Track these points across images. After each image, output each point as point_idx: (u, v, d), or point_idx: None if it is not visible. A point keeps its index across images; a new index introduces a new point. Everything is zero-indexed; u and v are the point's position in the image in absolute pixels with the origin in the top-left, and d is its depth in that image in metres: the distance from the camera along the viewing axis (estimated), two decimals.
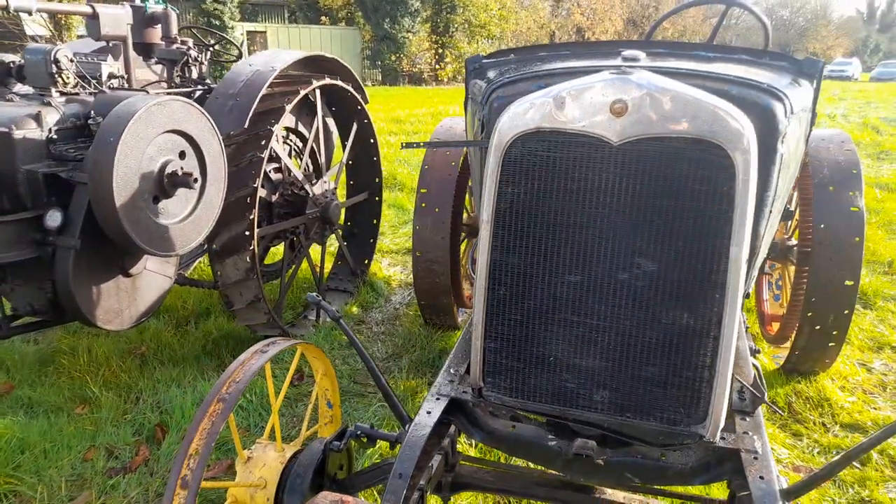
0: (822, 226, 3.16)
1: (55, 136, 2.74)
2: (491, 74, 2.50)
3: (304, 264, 4.32)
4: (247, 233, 3.29)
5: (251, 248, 3.30)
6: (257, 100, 3.30)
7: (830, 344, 3.29)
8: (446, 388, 1.82)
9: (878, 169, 9.99)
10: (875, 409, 3.33)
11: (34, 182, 2.66)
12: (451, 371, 1.90)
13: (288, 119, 3.98)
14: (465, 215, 4.01)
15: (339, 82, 4.05)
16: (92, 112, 2.79)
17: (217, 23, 23.86)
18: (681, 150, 1.39)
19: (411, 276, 5.13)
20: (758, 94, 1.87)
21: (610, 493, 1.74)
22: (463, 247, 4.03)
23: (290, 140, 4.22)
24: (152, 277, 3.09)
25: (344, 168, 4.50)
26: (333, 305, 4.45)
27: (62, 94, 2.93)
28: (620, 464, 1.64)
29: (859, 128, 14.23)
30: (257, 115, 3.34)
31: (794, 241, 3.69)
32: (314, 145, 4.26)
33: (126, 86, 3.35)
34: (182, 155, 2.79)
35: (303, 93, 3.59)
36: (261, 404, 3.14)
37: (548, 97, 1.45)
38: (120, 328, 2.95)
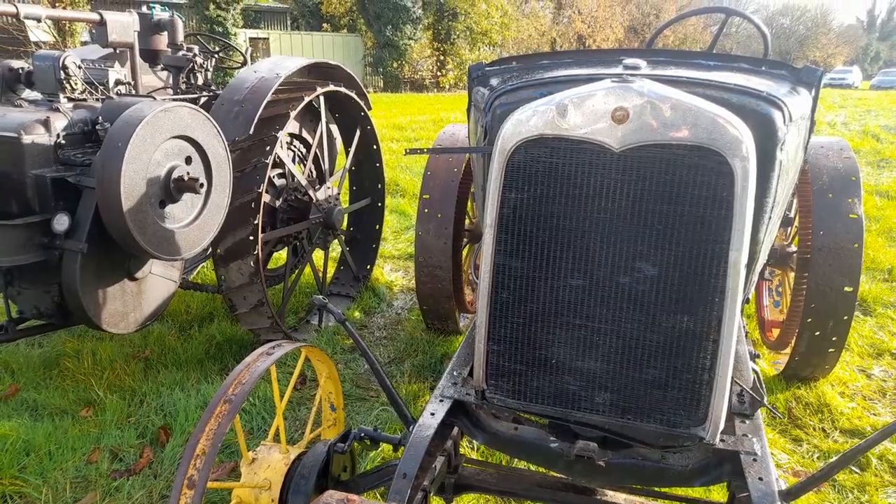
0: (822, 232, 3.18)
1: (63, 142, 2.77)
2: (494, 82, 2.54)
3: (307, 269, 4.34)
4: (251, 237, 3.32)
5: (255, 252, 3.33)
6: (262, 106, 3.33)
7: (830, 350, 3.31)
8: (449, 390, 1.84)
9: (878, 177, 10.01)
10: (875, 414, 3.34)
11: (42, 186, 2.69)
12: (455, 374, 1.93)
13: (292, 125, 4.02)
14: (466, 221, 4.03)
15: (343, 89, 4.09)
16: (100, 118, 2.83)
17: (220, 29, 23.98)
18: (681, 156, 1.42)
19: (413, 281, 5.17)
20: (757, 102, 1.90)
21: (611, 494, 1.76)
22: (465, 252, 4.06)
23: (294, 146, 4.25)
24: (158, 281, 3.11)
25: (347, 174, 4.54)
26: (336, 311, 4.47)
27: (70, 100, 2.97)
28: (621, 466, 1.66)
29: (859, 136, 14.27)
30: (262, 122, 3.38)
31: (793, 248, 3.72)
32: (317, 151, 4.30)
33: (133, 92, 3.39)
34: (188, 160, 2.83)
35: (307, 99, 3.63)
36: (263, 408, 3.16)
37: (550, 104, 1.48)
38: (125, 331, 2.98)
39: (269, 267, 4.70)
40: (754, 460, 1.52)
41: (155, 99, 3.01)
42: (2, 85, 3.09)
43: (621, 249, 1.49)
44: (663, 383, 1.52)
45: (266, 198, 3.46)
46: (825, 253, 3.18)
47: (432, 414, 1.74)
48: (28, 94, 3.14)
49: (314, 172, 4.39)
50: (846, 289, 3.17)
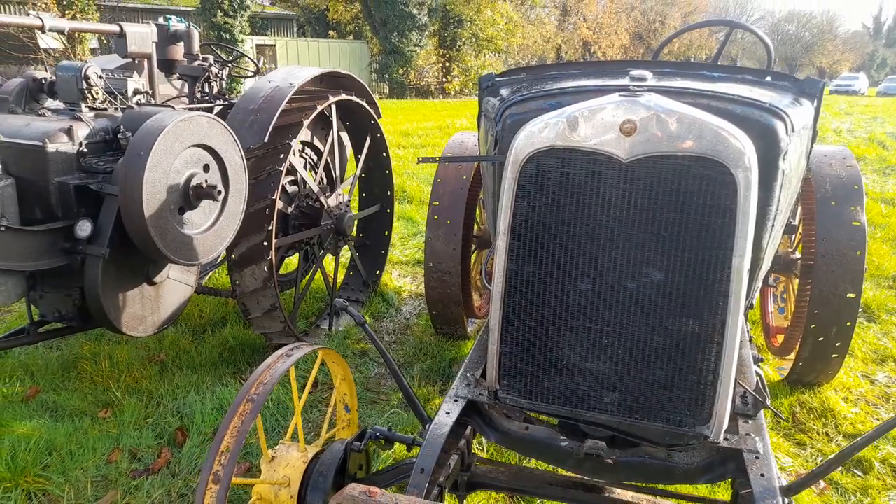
0: (825, 239, 3.24)
1: (85, 150, 2.86)
2: (503, 92, 2.61)
3: (318, 274, 4.42)
4: (265, 243, 3.39)
5: (269, 258, 3.40)
6: (276, 115, 3.42)
7: (833, 355, 3.36)
8: (463, 390, 1.91)
9: (884, 184, 10.03)
10: (877, 419, 3.39)
11: (65, 193, 2.78)
12: (468, 375, 2.00)
13: (304, 133, 4.10)
14: (475, 228, 4.10)
15: (354, 98, 4.18)
16: (121, 127, 2.91)
17: (227, 36, 24.18)
18: (686, 167, 1.49)
19: (421, 286, 5.24)
20: (760, 112, 1.97)
21: (619, 492, 1.82)
22: (473, 258, 4.13)
23: (306, 154, 4.33)
24: (175, 286, 3.19)
25: (357, 181, 4.62)
26: (344, 316, 4.55)
27: (91, 109, 3.06)
28: (629, 463, 1.72)
29: (865, 142, 14.30)
30: (276, 130, 3.46)
31: (797, 255, 3.77)
32: (328, 159, 4.38)
33: (151, 101, 3.48)
34: (206, 168, 2.91)
35: (319, 108, 3.71)
36: (277, 410, 3.23)
37: (562, 117, 1.55)
38: (143, 334, 3.05)
39: (280, 273, 4.77)
40: (756, 458, 1.58)
41: (174, 108, 3.10)
42: (25, 94, 3.18)
43: (629, 255, 1.56)
44: (669, 384, 1.58)
45: (279, 204, 3.54)
46: (828, 260, 3.23)
47: (447, 413, 1.81)
48: (50, 103, 3.23)
49: (325, 179, 4.47)
50: (849, 295, 3.22)
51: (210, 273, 4.67)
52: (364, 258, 4.92)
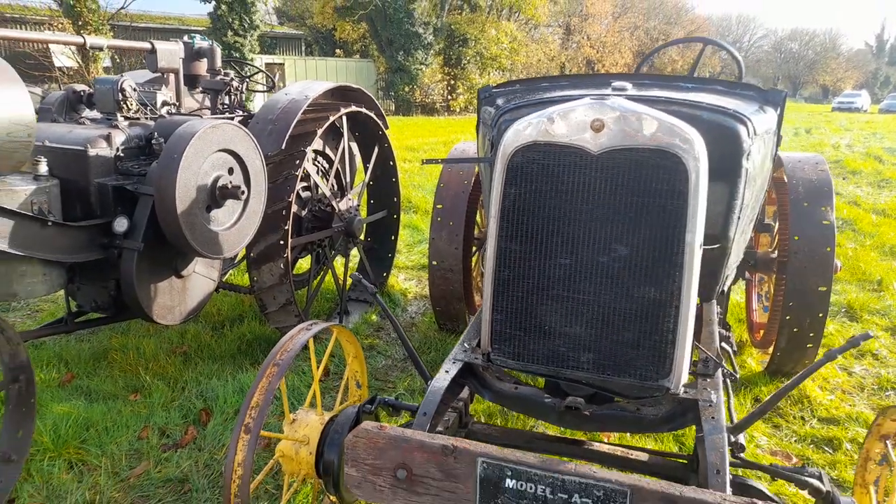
0: (797, 237, 3.51)
1: (122, 154, 3.17)
2: (499, 102, 2.92)
3: (328, 276, 4.70)
4: (281, 242, 3.69)
5: (285, 255, 3.69)
6: (293, 125, 3.73)
7: (808, 345, 3.61)
8: (461, 354, 2.19)
9: (878, 196, 10.29)
10: (851, 405, 3.63)
11: (104, 193, 3.08)
12: (465, 343, 2.27)
13: (317, 142, 4.41)
14: (476, 230, 4.39)
15: (364, 110, 4.49)
16: (155, 133, 3.22)
17: (237, 55, 24.73)
18: (646, 157, 1.77)
19: (425, 289, 5.52)
20: (724, 118, 2.27)
21: (597, 445, 2.08)
22: (474, 259, 4.41)
23: (318, 161, 4.64)
24: (200, 279, 3.48)
25: (365, 187, 4.92)
26: (354, 315, 4.83)
27: (126, 118, 3.37)
28: (604, 415, 1.99)
29: (863, 157, 14.56)
30: (292, 139, 3.77)
31: (776, 254, 4.04)
32: (339, 166, 4.68)
33: (179, 111, 3.80)
34: (230, 171, 3.21)
35: (332, 119, 4.03)
36: (291, 394, 3.49)
37: (542, 117, 1.84)
38: (171, 323, 3.34)
39: (293, 273, 5.06)
40: (710, 406, 1.85)
41: (202, 117, 3.41)
42: (66, 105, 3.51)
43: (600, 233, 1.84)
44: (636, 344, 1.85)
45: (293, 207, 3.83)
46: (801, 256, 3.50)
47: (447, 371, 2.08)
48: (88, 113, 3.55)
49: (336, 186, 4.77)
50: (821, 288, 3.48)
51: (230, 271, 4.97)
52: (372, 262, 5.20)
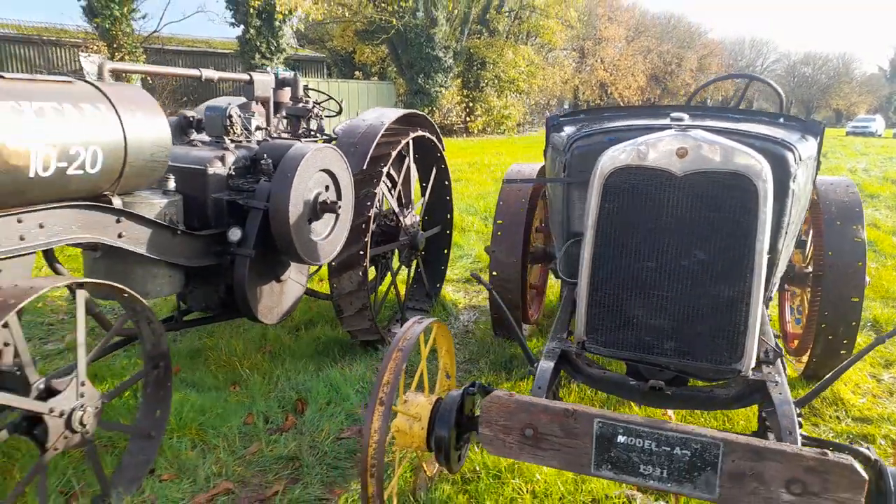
0: (832, 253, 3.87)
1: (233, 173, 3.60)
2: (567, 129, 3.33)
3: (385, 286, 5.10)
4: (361, 252, 4.10)
5: (364, 264, 4.10)
6: (373, 147, 4.16)
7: (842, 352, 3.96)
8: (557, 345, 2.57)
9: None
10: (883, 407, 3.97)
11: (219, 207, 3.51)
12: (557, 336, 2.66)
13: None
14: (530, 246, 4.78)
15: (427, 134, 4.93)
16: (265, 155, 3.65)
17: None
18: (722, 179, 2.16)
19: (473, 300, 5.92)
20: (774, 146, 2.66)
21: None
22: (530, 271, 4.79)
23: (384, 180, 5.06)
24: (293, 284, 3.90)
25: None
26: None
27: (232, 141, 3.81)
28: (681, 395, 2.36)
29: (880, 181, 14.88)
30: (372, 160, 4.20)
31: (810, 269, 4.40)
32: (401, 185, 5.11)
33: (269, 135, 4.24)
34: (327, 188, 3.64)
35: (404, 142, 4.46)
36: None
37: (635, 145, 2.24)
38: (271, 322, 3.75)
39: None
40: (776, 384, 2.22)
41: (301, 140, 3.84)
42: (177, 130, 3.96)
43: (682, 242, 2.23)
44: (712, 334, 2.23)
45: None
46: (835, 270, 3.86)
47: (548, 356, 2.47)
48: (195, 136, 4.00)
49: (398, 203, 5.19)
50: (853, 299, 3.84)
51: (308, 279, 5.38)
52: (426, 273, 5.60)
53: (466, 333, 5.10)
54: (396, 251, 4.98)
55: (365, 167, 4.13)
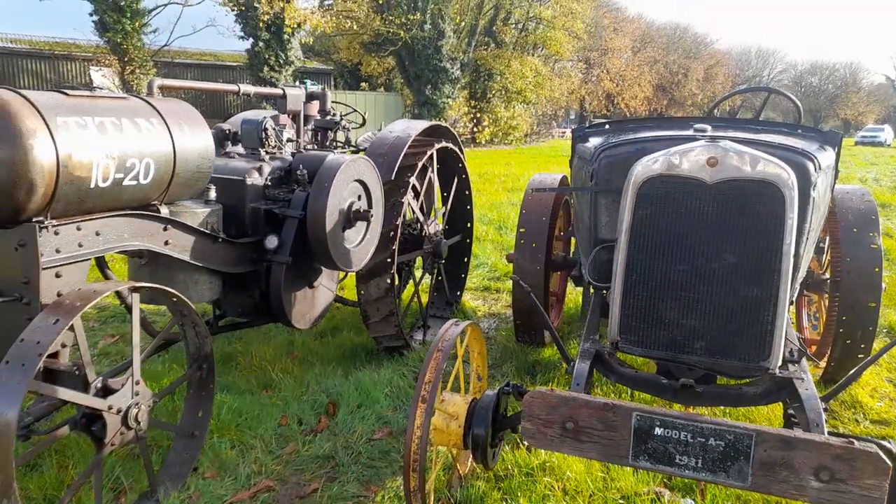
0: (849, 259, 3.98)
1: (269, 183, 3.74)
2: (593, 140, 3.45)
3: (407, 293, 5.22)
4: (388, 260, 4.22)
5: (391, 272, 4.23)
6: (401, 157, 4.30)
7: (860, 355, 4.04)
8: (591, 346, 2.69)
9: None
10: None
11: (257, 215, 3.64)
12: (590, 338, 2.77)
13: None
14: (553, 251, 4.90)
15: (450, 145, 5.07)
16: (301, 166, 3.78)
17: None
18: (751, 186, 2.28)
19: (493, 307, 6.04)
20: (795, 155, 2.78)
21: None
22: (552, 278, 4.90)
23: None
24: (324, 290, 4.03)
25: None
26: (433, 329, 5.33)
27: (267, 152, 3.95)
28: (711, 392, 2.47)
29: (891, 190, 14.95)
30: (399, 170, 4.33)
31: (827, 276, 4.50)
32: (424, 195, 5.24)
33: (299, 147, 4.39)
34: (360, 197, 3.77)
35: (429, 153, 4.60)
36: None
37: (667, 155, 2.37)
38: (304, 327, 3.87)
39: None
40: (802, 381, 2.33)
41: (333, 152, 3.98)
42: (215, 142, 4.09)
43: (712, 245, 2.34)
44: (741, 333, 2.34)
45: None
46: (852, 276, 3.96)
47: (582, 356, 2.59)
48: (231, 148, 4.14)
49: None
50: (870, 304, 3.93)
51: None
52: (447, 281, 5.72)
53: (488, 340, 5.20)
54: (420, 259, 5.10)
55: (393, 177, 4.26)
